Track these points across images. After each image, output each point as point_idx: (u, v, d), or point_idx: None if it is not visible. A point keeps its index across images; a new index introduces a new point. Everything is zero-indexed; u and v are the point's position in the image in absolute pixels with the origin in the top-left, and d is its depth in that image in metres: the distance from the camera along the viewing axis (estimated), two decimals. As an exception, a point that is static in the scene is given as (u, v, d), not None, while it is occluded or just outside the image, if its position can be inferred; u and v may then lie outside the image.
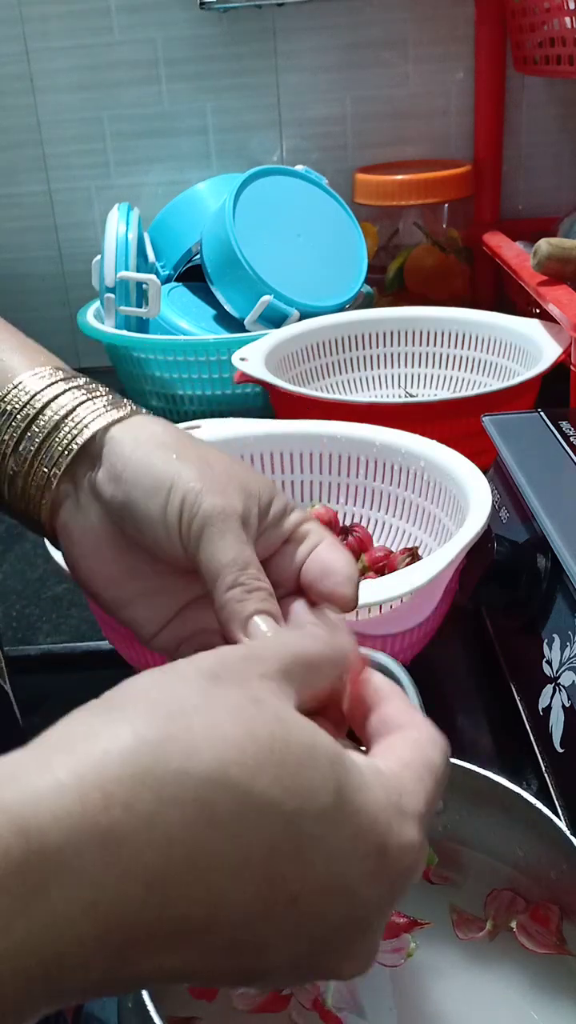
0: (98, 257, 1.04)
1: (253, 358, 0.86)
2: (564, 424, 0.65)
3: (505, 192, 1.25)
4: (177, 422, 0.70)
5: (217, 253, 1.03)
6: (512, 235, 1.11)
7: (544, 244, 0.86)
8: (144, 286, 1.00)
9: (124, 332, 1.02)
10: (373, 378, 1.00)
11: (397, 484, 0.69)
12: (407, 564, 0.61)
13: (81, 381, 0.39)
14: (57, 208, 1.27)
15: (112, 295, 1.02)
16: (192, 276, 1.12)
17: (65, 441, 0.36)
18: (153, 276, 1.01)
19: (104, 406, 0.37)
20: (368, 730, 0.30)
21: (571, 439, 0.63)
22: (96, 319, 1.06)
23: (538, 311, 0.93)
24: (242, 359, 0.85)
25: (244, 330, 1.01)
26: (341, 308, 1.03)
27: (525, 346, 0.90)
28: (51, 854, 0.21)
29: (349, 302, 1.05)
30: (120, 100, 1.21)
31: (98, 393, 0.38)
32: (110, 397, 0.38)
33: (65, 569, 0.48)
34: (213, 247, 1.03)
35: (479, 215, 1.24)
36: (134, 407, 0.38)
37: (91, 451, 0.37)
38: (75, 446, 0.36)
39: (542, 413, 0.68)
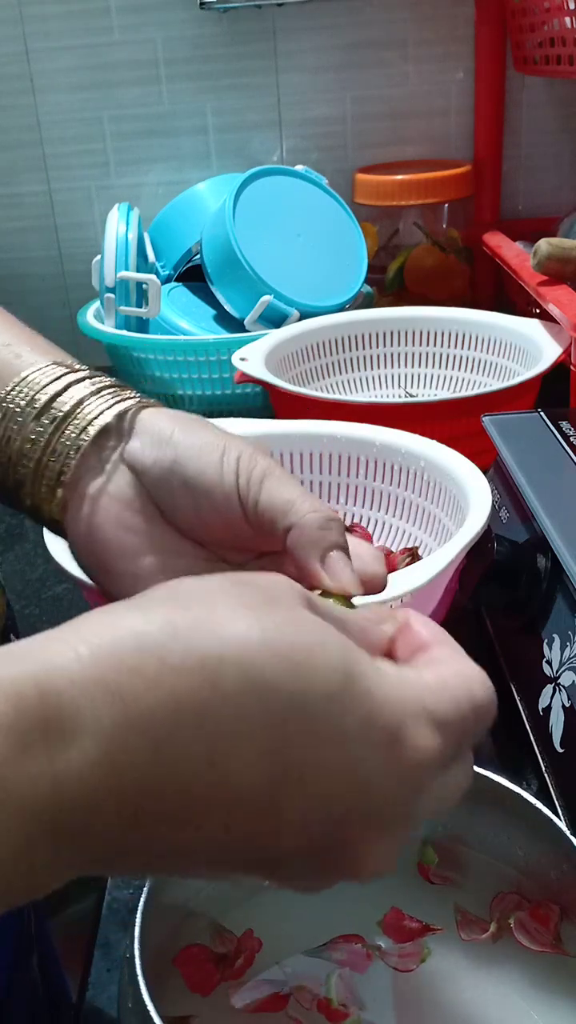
0: (98, 257, 1.04)
1: (253, 358, 0.86)
2: (564, 424, 0.65)
3: (505, 192, 1.25)
4: (177, 422, 0.71)
5: (217, 253, 1.03)
6: (512, 235, 1.11)
7: (544, 244, 0.86)
8: (144, 286, 1.00)
9: (124, 332, 1.02)
10: (373, 378, 1.00)
11: (397, 484, 0.69)
12: (407, 564, 0.61)
13: (97, 376, 0.40)
14: (57, 208, 1.27)
15: (112, 295, 1.02)
16: (192, 276, 1.12)
17: (91, 416, 0.37)
18: (153, 276, 1.01)
19: (130, 395, 0.39)
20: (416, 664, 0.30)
21: (571, 439, 0.63)
22: (96, 319, 1.06)
23: (538, 311, 0.93)
24: (242, 359, 0.85)
25: (244, 330, 1.01)
26: (341, 308, 1.03)
27: (525, 346, 0.90)
28: (67, 709, 0.22)
29: (349, 302, 1.05)
30: (120, 100, 1.21)
31: (125, 385, 0.40)
32: (136, 392, 0.40)
33: (65, 568, 0.48)
34: (213, 247, 1.03)
35: (479, 215, 1.24)
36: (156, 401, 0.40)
37: (119, 427, 0.37)
38: (103, 421, 0.37)
39: (542, 413, 0.68)
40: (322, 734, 0.24)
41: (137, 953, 0.36)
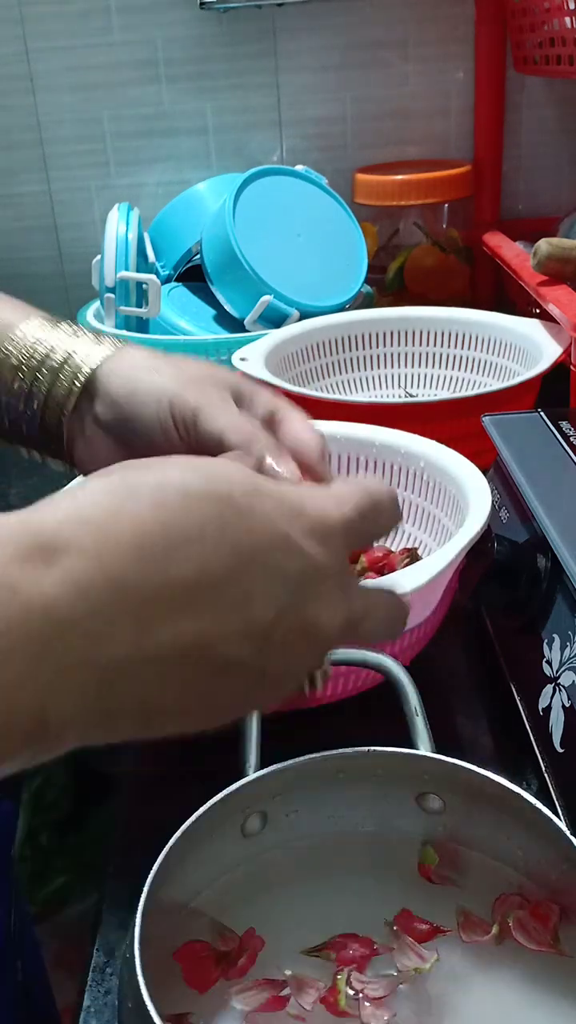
0: (98, 257, 1.04)
1: (253, 358, 0.86)
2: (564, 424, 0.65)
3: (505, 192, 1.25)
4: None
5: (217, 253, 1.03)
6: (512, 235, 1.11)
7: (544, 244, 0.86)
8: (144, 286, 1.00)
9: (124, 332, 1.02)
10: (373, 378, 1.00)
11: (397, 484, 0.69)
12: (406, 564, 0.61)
13: (66, 326, 0.45)
14: (57, 208, 1.27)
15: (112, 295, 1.02)
16: (192, 276, 1.12)
17: (66, 384, 0.43)
18: (153, 276, 1.01)
19: (91, 345, 0.44)
20: None
21: (571, 439, 0.63)
22: (96, 319, 1.06)
23: (538, 311, 0.93)
24: (242, 359, 0.85)
25: (244, 330, 1.01)
26: (341, 308, 1.03)
27: (525, 346, 0.90)
28: (57, 539, 0.27)
29: (349, 302, 1.05)
30: (120, 100, 1.21)
31: (83, 335, 0.45)
32: (93, 336, 0.45)
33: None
34: (213, 247, 1.03)
35: (479, 215, 1.24)
36: (115, 341, 0.45)
37: (89, 389, 0.43)
38: (76, 387, 0.43)
39: (542, 413, 0.68)
40: (253, 517, 0.31)
41: (137, 953, 0.36)
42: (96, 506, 0.29)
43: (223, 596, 0.30)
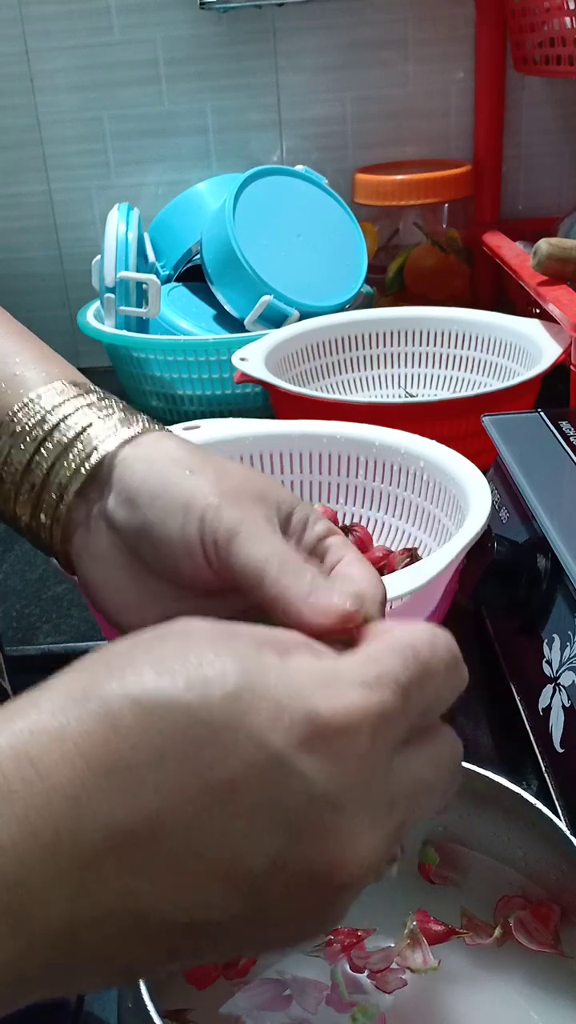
0: (98, 257, 1.04)
1: (253, 358, 0.86)
2: (564, 424, 0.65)
3: (505, 192, 1.25)
4: (177, 422, 0.71)
5: (217, 253, 1.03)
6: (512, 235, 1.11)
7: (544, 244, 0.86)
8: (144, 286, 1.00)
9: (124, 332, 1.02)
10: (373, 378, 1.00)
11: (397, 484, 0.69)
12: (406, 564, 0.61)
13: (94, 397, 0.37)
14: (57, 208, 1.27)
15: (112, 295, 1.02)
16: (192, 276, 1.12)
17: (74, 466, 0.35)
18: (153, 276, 1.01)
19: (117, 424, 0.36)
20: None
21: (571, 439, 0.63)
22: (96, 319, 1.06)
23: (538, 311, 0.93)
24: (242, 359, 0.85)
25: (244, 330, 1.01)
26: (341, 308, 1.03)
27: (525, 346, 0.90)
28: None
29: (349, 302, 1.05)
30: (120, 100, 1.21)
31: (111, 411, 0.37)
32: (123, 415, 0.37)
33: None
34: (213, 247, 1.03)
35: (479, 215, 1.24)
36: (147, 423, 0.37)
37: (100, 476, 0.35)
38: (83, 471, 0.35)
39: (542, 413, 0.68)
40: (235, 734, 0.24)
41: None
42: (40, 733, 0.23)
43: (187, 846, 0.23)
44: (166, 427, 0.38)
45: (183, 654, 0.25)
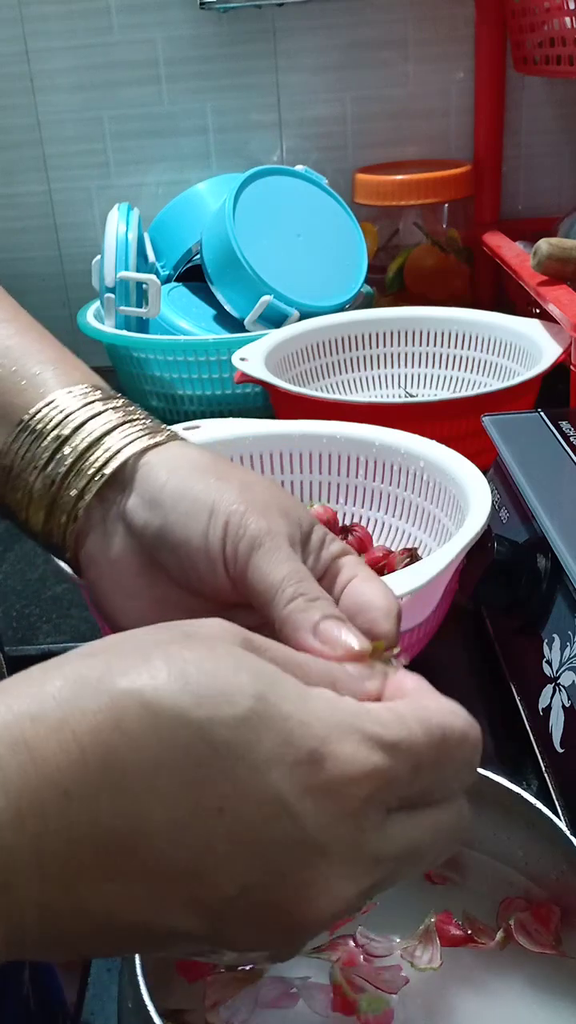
0: (98, 257, 1.04)
1: (253, 358, 0.86)
2: (564, 424, 0.65)
3: (505, 192, 1.25)
4: (177, 422, 0.71)
5: (217, 253, 1.03)
6: (512, 235, 1.11)
7: (544, 244, 0.86)
8: (144, 286, 1.00)
9: (124, 332, 1.02)
10: (373, 378, 1.00)
11: (397, 484, 0.69)
12: (406, 564, 0.61)
13: (118, 403, 0.37)
14: (57, 208, 1.27)
15: (112, 295, 1.02)
16: (192, 276, 1.12)
17: (97, 465, 0.35)
18: (153, 276, 1.01)
19: (141, 430, 0.36)
20: None
21: (571, 439, 0.63)
22: (96, 319, 1.06)
23: (538, 311, 0.93)
24: (242, 359, 0.85)
25: (244, 330, 1.01)
26: (341, 308, 1.03)
27: (525, 346, 0.90)
28: None
29: (349, 302, 1.05)
30: (120, 100, 1.21)
31: (135, 416, 0.37)
32: (148, 422, 0.37)
33: (65, 568, 0.48)
34: (213, 247, 1.03)
35: (479, 215, 1.23)
36: (172, 432, 0.37)
37: (121, 477, 0.35)
38: (106, 472, 0.35)
39: (542, 413, 0.68)
40: (236, 761, 0.23)
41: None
42: (40, 720, 0.23)
43: (162, 860, 0.23)
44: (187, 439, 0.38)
45: (203, 661, 0.24)
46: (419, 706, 0.27)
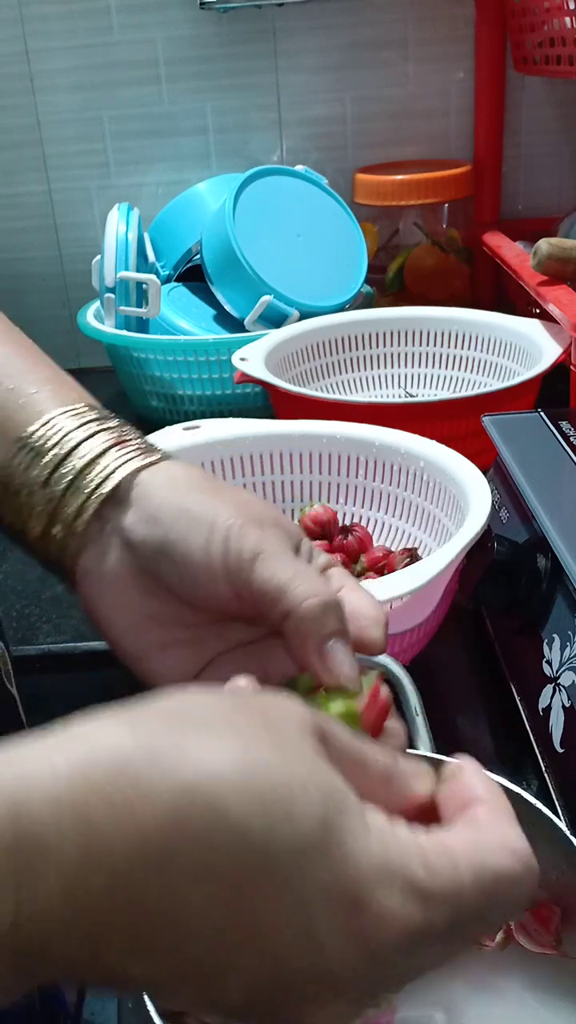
0: (98, 257, 1.04)
1: (253, 358, 0.86)
2: (564, 424, 0.65)
3: (505, 192, 1.25)
4: (177, 422, 0.71)
5: (217, 253, 1.03)
6: (512, 235, 1.11)
7: (544, 244, 0.86)
8: (144, 286, 1.00)
9: (124, 332, 1.02)
10: (373, 378, 1.00)
11: (397, 484, 0.69)
12: (406, 564, 0.61)
13: (113, 423, 0.38)
14: (57, 208, 1.27)
15: (112, 295, 1.02)
16: (192, 276, 1.12)
17: (95, 483, 0.36)
18: (153, 276, 1.01)
19: (135, 450, 0.37)
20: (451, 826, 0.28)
21: (571, 439, 0.63)
22: (96, 319, 1.06)
23: (538, 311, 0.93)
24: (242, 359, 0.85)
25: (244, 330, 1.01)
26: (341, 308, 1.03)
27: (525, 346, 0.90)
28: (37, 833, 0.22)
29: (349, 302, 1.05)
30: (120, 100, 1.21)
31: (130, 437, 0.38)
32: (142, 443, 0.38)
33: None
34: (213, 247, 1.03)
35: (479, 215, 1.24)
36: (165, 453, 0.38)
37: (118, 495, 0.36)
38: (104, 490, 0.36)
39: (542, 413, 0.68)
40: (282, 890, 0.23)
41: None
42: (96, 796, 0.23)
43: (192, 955, 0.23)
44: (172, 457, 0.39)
45: (276, 766, 0.24)
46: (476, 846, 0.26)
